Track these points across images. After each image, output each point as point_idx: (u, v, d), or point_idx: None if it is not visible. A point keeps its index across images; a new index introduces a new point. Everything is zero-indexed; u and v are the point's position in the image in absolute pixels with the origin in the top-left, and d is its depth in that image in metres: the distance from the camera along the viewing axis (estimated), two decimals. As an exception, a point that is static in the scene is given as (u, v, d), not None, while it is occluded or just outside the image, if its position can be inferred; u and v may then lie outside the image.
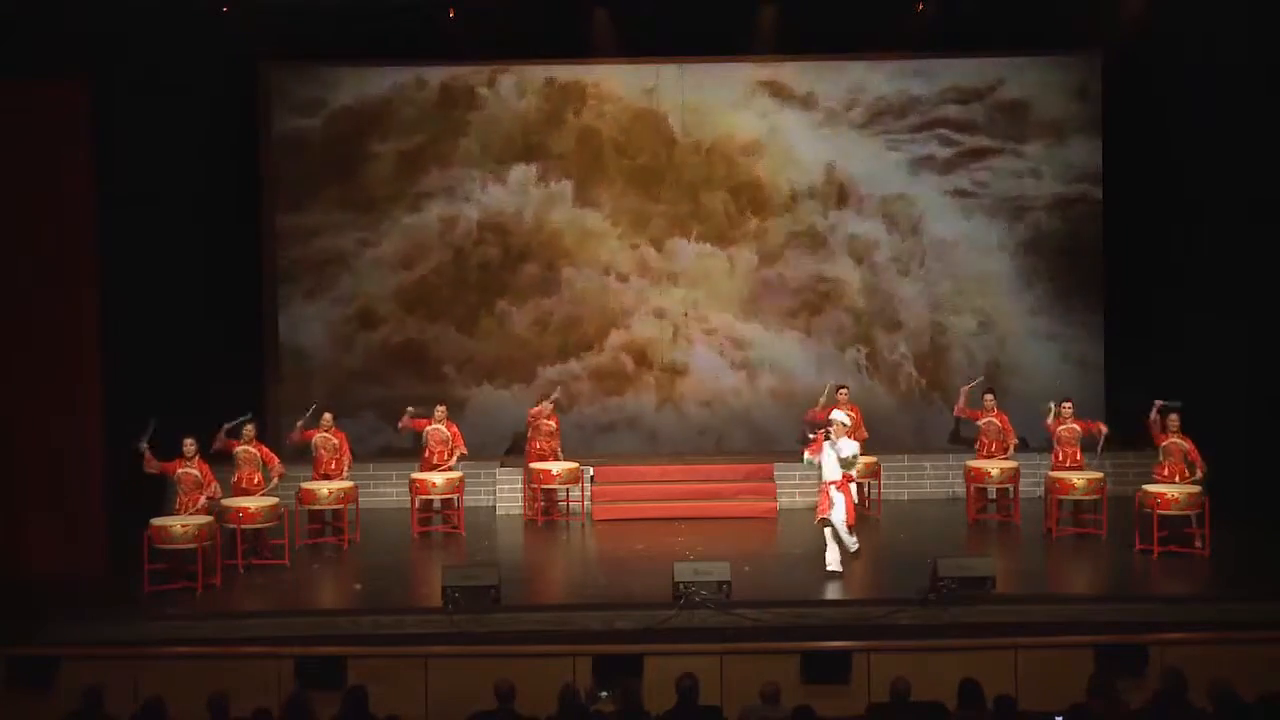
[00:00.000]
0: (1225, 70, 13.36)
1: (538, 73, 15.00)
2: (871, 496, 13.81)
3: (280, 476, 12.52)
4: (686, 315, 15.27)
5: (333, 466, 13.08)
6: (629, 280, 15.21)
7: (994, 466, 13.27)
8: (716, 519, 13.59)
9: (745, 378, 15.24)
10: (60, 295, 11.82)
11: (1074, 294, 15.11)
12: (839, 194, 15.15)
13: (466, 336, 15.20)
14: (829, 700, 8.52)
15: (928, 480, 14.70)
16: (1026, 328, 15.14)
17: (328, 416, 13.23)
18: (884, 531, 13.27)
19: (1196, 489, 11.91)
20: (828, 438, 11.40)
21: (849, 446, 11.42)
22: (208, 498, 11.66)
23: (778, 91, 15.12)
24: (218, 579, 11.38)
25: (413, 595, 11.23)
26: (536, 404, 14.04)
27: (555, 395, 14.13)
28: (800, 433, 14.00)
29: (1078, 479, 12.63)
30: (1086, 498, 12.70)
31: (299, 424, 13.19)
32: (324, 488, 12.81)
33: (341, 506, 12.91)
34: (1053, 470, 12.90)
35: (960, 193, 15.11)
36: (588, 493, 14.09)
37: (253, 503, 12.06)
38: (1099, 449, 13.00)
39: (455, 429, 13.50)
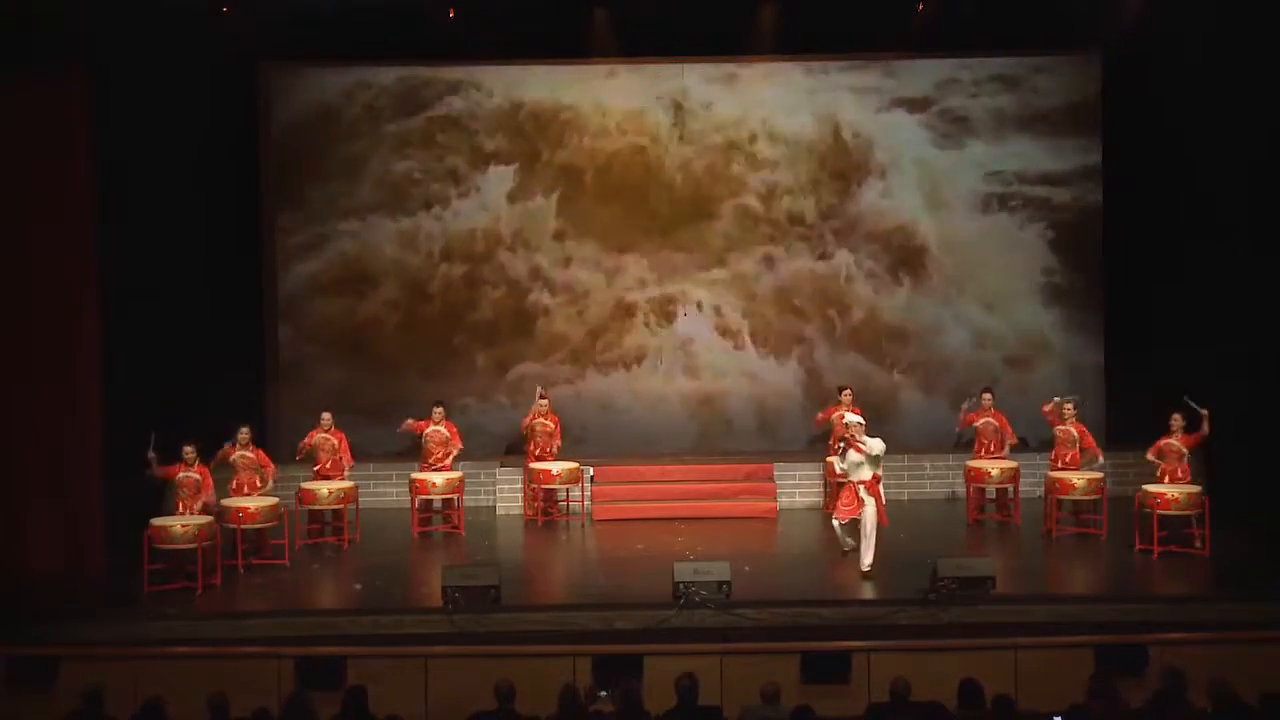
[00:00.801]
0: (1225, 70, 13.35)
1: (533, 86, 15.01)
2: (871, 496, 13.81)
3: (274, 480, 12.52)
4: (686, 315, 15.24)
5: (330, 467, 13.08)
6: (629, 284, 15.22)
7: (994, 466, 13.27)
8: (716, 519, 13.59)
9: (746, 377, 15.21)
10: (60, 295, 11.82)
11: (1074, 293, 15.10)
12: (839, 192, 15.12)
13: (468, 336, 15.18)
14: (829, 700, 8.52)
15: (928, 480, 14.70)
16: (1026, 327, 15.11)
17: (327, 416, 13.23)
18: (884, 531, 13.21)
19: (1196, 489, 11.92)
20: (844, 441, 11.48)
21: (876, 443, 11.45)
22: (204, 504, 11.65)
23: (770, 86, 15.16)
24: (218, 579, 11.38)
25: (413, 595, 11.23)
26: (527, 413, 14.00)
27: (541, 393, 14.07)
28: (811, 435, 14.09)
29: (1078, 479, 12.63)
30: (1086, 498, 12.70)
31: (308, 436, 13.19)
32: (324, 488, 12.81)
33: (341, 506, 12.91)
34: (1052, 470, 12.90)
35: (959, 192, 15.07)
36: (588, 493, 14.09)
37: (253, 503, 12.06)
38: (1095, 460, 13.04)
39: (453, 428, 13.50)
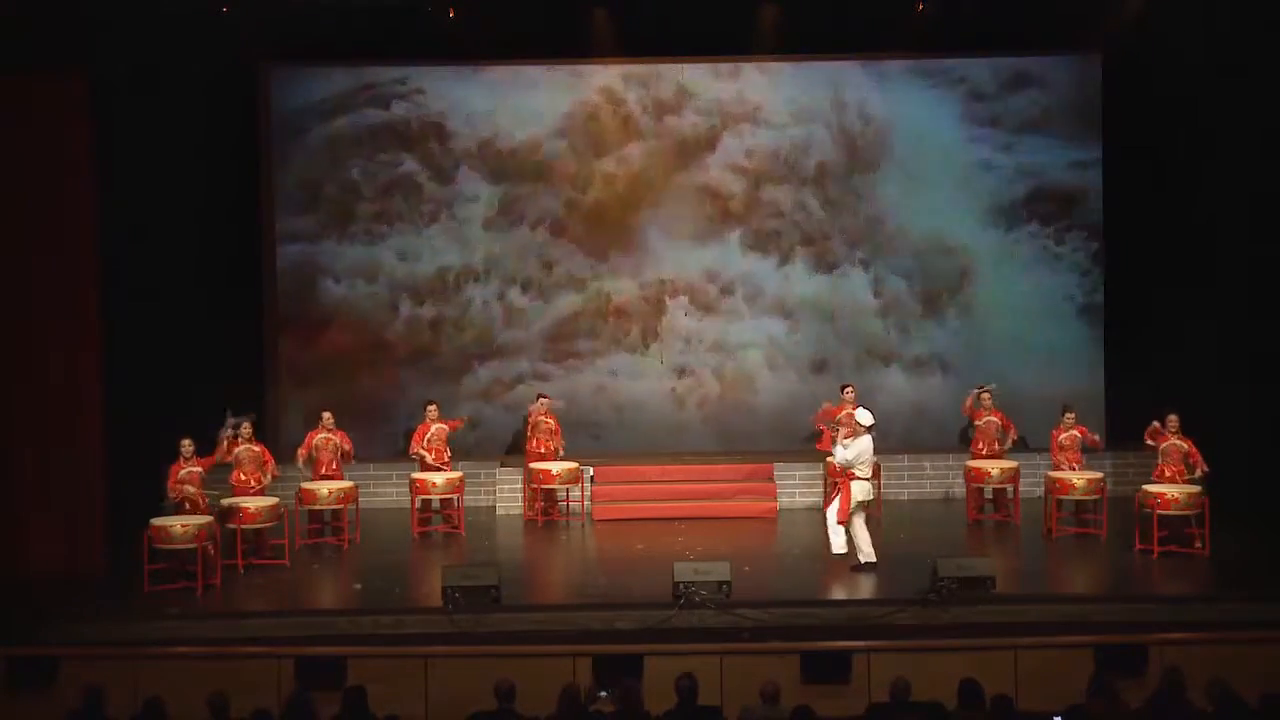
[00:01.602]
0: (1225, 70, 13.36)
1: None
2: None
3: (274, 478, 12.54)
4: (686, 315, 15.24)
5: (334, 468, 13.09)
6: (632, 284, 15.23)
7: (994, 466, 13.27)
8: (716, 519, 13.58)
9: (747, 378, 15.21)
10: (60, 295, 11.82)
11: (1074, 293, 15.09)
12: (839, 189, 15.12)
13: (469, 338, 15.18)
14: (829, 700, 8.51)
15: (928, 480, 14.70)
16: (1025, 327, 15.10)
17: (327, 416, 13.23)
18: (884, 531, 13.25)
19: (1196, 489, 11.92)
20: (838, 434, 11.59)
21: (846, 453, 11.49)
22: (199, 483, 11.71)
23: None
24: (218, 579, 11.38)
25: (413, 595, 11.23)
26: (535, 401, 14.02)
27: (540, 394, 14.06)
28: (812, 432, 14.05)
29: (1078, 479, 12.63)
30: (1086, 498, 12.71)
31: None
32: (324, 488, 12.81)
33: (341, 506, 12.92)
34: (1053, 470, 12.90)
35: (959, 191, 15.07)
36: (588, 493, 14.09)
37: (253, 503, 12.06)
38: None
39: (449, 423, 13.52)
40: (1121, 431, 14.13)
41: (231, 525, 11.83)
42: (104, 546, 11.80)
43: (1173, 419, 12.25)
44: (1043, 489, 12.97)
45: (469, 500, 13.69)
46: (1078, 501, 12.84)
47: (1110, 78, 14.84)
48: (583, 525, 13.81)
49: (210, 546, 11.32)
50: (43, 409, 11.77)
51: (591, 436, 14.89)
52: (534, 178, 15.10)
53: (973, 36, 14.41)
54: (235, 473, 12.41)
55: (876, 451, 13.70)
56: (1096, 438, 13.17)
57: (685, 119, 15.11)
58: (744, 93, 15.10)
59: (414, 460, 13.58)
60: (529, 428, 13.97)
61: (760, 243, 15.17)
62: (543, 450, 13.85)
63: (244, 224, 14.74)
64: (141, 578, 11.13)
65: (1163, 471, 12.22)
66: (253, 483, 12.40)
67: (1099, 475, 12.79)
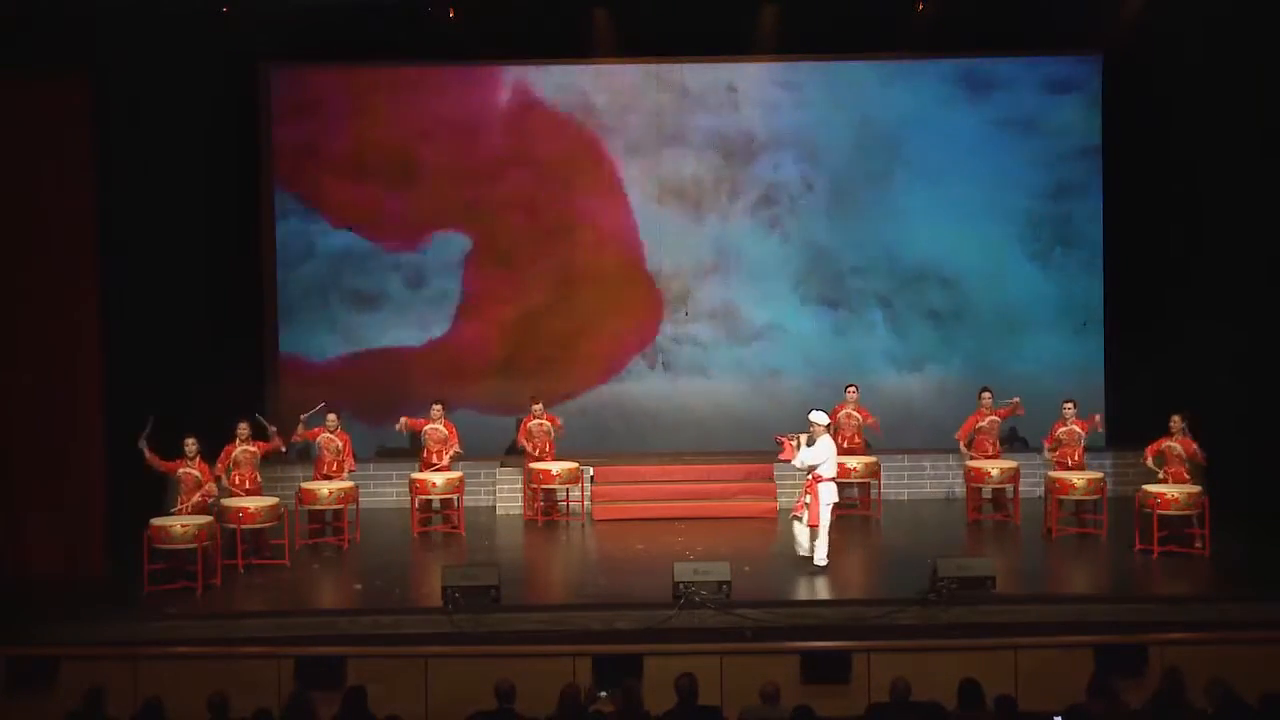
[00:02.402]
0: (1225, 70, 13.35)
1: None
2: (872, 496, 13.81)
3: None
4: (687, 314, 15.24)
5: (335, 468, 13.09)
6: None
7: (994, 466, 13.27)
8: (716, 519, 13.58)
9: (746, 377, 15.21)
10: (60, 295, 11.82)
11: (1074, 293, 15.09)
12: (838, 188, 15.12)
13: (471, 339, 15.18)
14: (829, 700, 8.52)
15: (928, 480, 14.71)
16: (1025, 327, 15.10)
17: (332, 418, 13.23)
18: (884, 531, 13.27)
19: (1197, 489, 11.92)
20: (799, 443, 11.49)
21: (813, 454, 11.46)
22: (201, 495, 11.67)
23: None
24: (218, 579, 11.38)
25: (413, 595, 11.23)
26: (527, 414, 14.00)
27: (533, 398, 14.07)
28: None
29: (1078, 479, 12.63)
30: (1086, 498, 12.71)
31: (302, 418, 13.16)
32: (324, 488, 12.81)
33: (341, 506, 12.92)
34: (1053, 470, 12.90)
35: (959, 192, 15.06)
36: (588, 493, 14.09)
37: (253, 503, 12.07)
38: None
39: (452, 428, 13.51)
40: (1122, 431, 14.14)
41: (231, 525, 11.83)
42: (104, 546, 11.80)
43: (1175, 420, 12.24)
44: (1043, 489, 12.98)
45: (469, 500, 13.70)
46: (1078, 501, 12.83)
47: (1110, 78, 14.84)
48: (583, 525, 13.81)
49: (210, 546, 11.32)
50: (43, 409, 11.76)
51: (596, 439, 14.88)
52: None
53: (973, 36, 14.41)
54: (233, 474, 12.40)
55: (876, 451, 13.84)
56: (1097, 417, 13.10)
57: (685, 119, 15.11)
58: (743, 93, 15.12)
59: (414, 460, 13.57)
60: (524, 432, 13.93)
61: (759, 244, 15.16)
62: (540, 451, 13.84)
63: (244, 223, 14.74)
64: (141, 578, 11.13)
65: (1165, 473, 12.18)
66: (249, 484, 12.39)
67: (1099, 475, 12.79)
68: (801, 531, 11.66)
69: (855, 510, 13.92)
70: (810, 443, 11.57)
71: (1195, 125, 13.83)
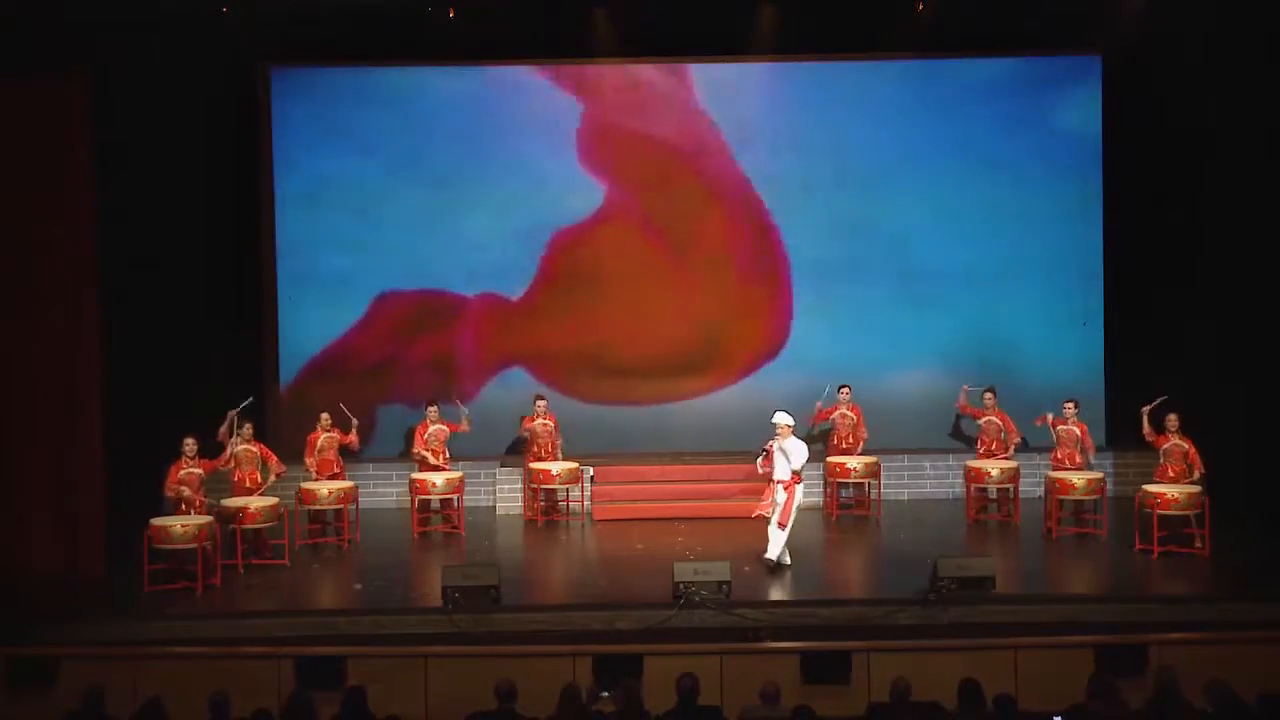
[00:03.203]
0: (1225, 70, 13.36)
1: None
2: (871, 496, 13.81)
3: (279, 475, 12.57)
4: (686, 315, 15.25)
5: (337, 469, 13.09)
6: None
7: (994, 466, 13.28)
8: (716, 519, 13.58)
9: (749, 377, 15.22)
10: (60, 295, 11.82)
11: (1074, 294, 15.09)
12: (837, 190, 15.11)
13: (473, 340, 15.17)
14: (829, 700, 8.52)
15: (928, 480, 14.71)
16: (1025, 327, 15.09)
17: (325, 417, 13.25)
18: (884, 531, 13.27)
19: (1196, 489, 11.92)
20: (777, 447, 11.45)
21: (799, 454, 11.41)
22: (200, 500, 11.68)
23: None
24: (218, 579, 11.38)
25: (413, 595, 11.22)
26: (531, 416, 14.00)
27: (538, 396, 14.07)
28: (810, 433, 14.11)
29: (1078, 479, 12.63)
30: (1086, 498, 12.71)
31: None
32: (324, 488, 12.81)
33: (341, 506, 12.92)
34: (1053, 470, 12.91)
35: (959, 191, 15.06)
36: (588, 493, 14.09)
37: (253, 503, 12.07)
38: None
39: (450, 424, 13.52)
40: (1122, 431, 14.13)
41: (231, 525, 11.83)
42: (104, 546, 11.80)
43: (1172, 418, 12.25)
44: (1043, 489, 12.98)
45: (469, 500, 13.70)
46: (1078, 501, 12.84)
47: (1110, 78, 14.84)
48: (583, 525, 13.81)
49: (210, 546, 11.33)
50: (43, 409, 11.77)
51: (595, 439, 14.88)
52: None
53: (973, 37, 14.41)
54: (235, 472, 12.42)
55: (876, 451, 13.85)
56: (1090, 446, 13.10)
57: (684, 119, 15.11)
58: (742, 92, 15.12)
59: (414, 460, 13.58)
60: (527, 432, 13.95)
61: (761, 241, 15.15)
62: (540, 451, 13.85)
63: (244, 223, 14.74)
64: (141, 578, 11.13)
65: (1165, 471, 12.21)
66: (248, 482, 12.40)
67: (1099, 475, 12.80)
68: (779, 536, 11.52)
69: (855, 510, 13.94)
70: (782, 449, 11.46)
71: (1195, 125, 13.84)
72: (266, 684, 9.01)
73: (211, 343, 13.80)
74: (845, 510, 13.94)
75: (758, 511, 11.62)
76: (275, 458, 12.67)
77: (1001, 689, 7.81)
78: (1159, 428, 12.33)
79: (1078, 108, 14.99)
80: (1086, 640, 9.43)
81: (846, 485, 13.94)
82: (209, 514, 11.61)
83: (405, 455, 14.29)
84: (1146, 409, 12.49)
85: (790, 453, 11.41)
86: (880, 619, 10.20)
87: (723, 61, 15.03)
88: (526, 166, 15.01)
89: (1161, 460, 12.29)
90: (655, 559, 11.77)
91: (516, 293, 15.16)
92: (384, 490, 14.51)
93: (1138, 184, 14.61)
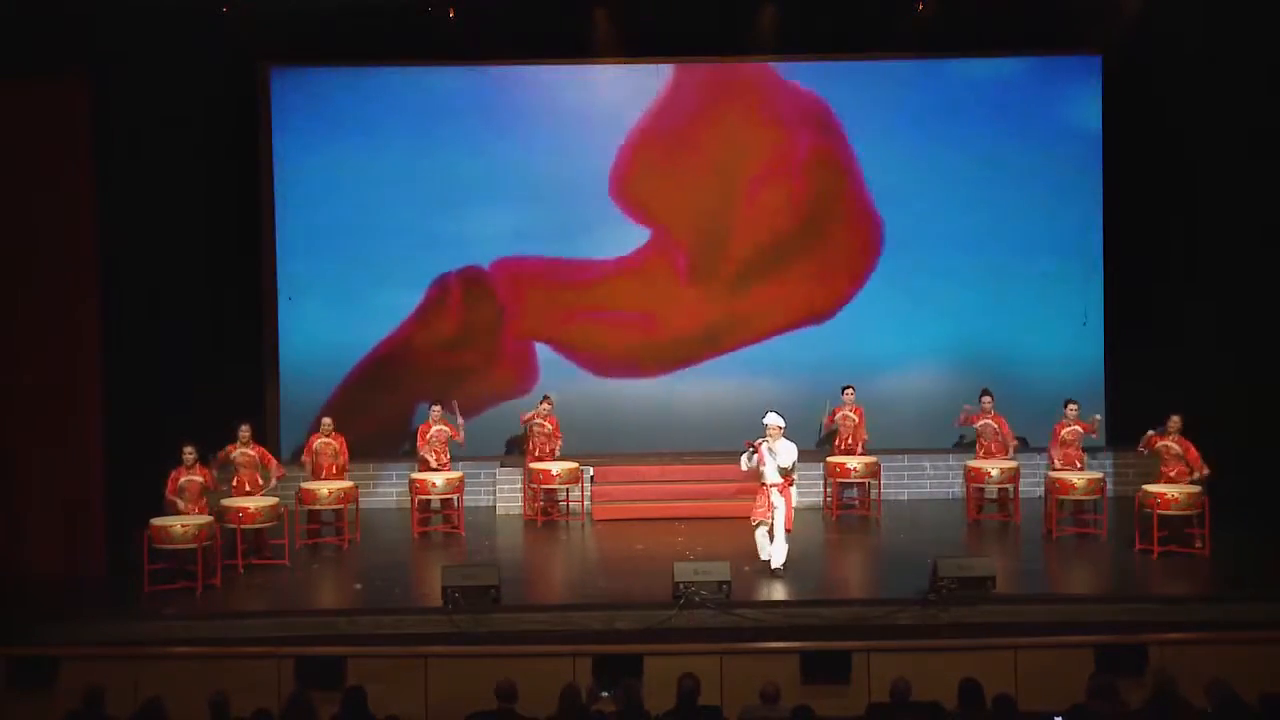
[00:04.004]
0: (1225, 70, 13.36)
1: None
2: (871, 496, 13.81)
3: (279, 478, 12.56)
4: (686, 315, 15.24)
5: (334, 471, 13.09)
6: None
7: (994, 466, 13.27)
8: (716, 519, 13.57)
9: (748, 377, 15.20)
10: (60, 295, 11.82)
11: (1073, 293, 15.08)
12: (837, 189, 15.11)
13: (474, 343, 15.18)
14: (829, 700, 8.52)
15: (928, 480, 14.71)
16: (1025, 326, 15.09)
17: (327, 421, 13.24)
18: (884, 531, 13.27)
19: (1196, 489, 11.92)
20: (767, 447, 11.37)
21: (787, 454, 11.38)
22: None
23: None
24: (218, 579, 11.38)
25: (413, 595, 11.23)
26: (533, 410, 14.01)
27: (546, 397, 14.08)
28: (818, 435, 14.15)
29: (1078, 479, 12.63)
30: (1086, 498, 12.71)
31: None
32: (324, 488, 12.81)
33: (341, 506, 12.92)
34: (1053, 470, 12.90)
35: (959, 191, 15.06)
36: (588, 493, 14.09)
37: (253, 503, 12.07)
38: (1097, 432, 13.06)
39: (451, 427, 13.52)
40: (1122, 431, 14.12)
41: (231, 525, 11.83)
42: (104, 546, 11.81)
43: (1174, 420, 12.24)
44: (1043, 489, 12.98)
45: (469, 500, 13.70)
46: (1078, 501, 12.83)
47: (1110, 78, 14.84)
48: (583, 525, 13.81)
49: (210, 546, 11.33)
50: (43, 409, 11.77)
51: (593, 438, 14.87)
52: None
53: (973, 36, 14.41)
54: (235, 477, 12.41)
55: (876, 451, 13.85)
56: (1097, 418, 13.07)
57: (683, 119, 15.11)
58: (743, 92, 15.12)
59: (414, 460, 13.58)
60: (528, 431, 13.95)
61: (760, 240, 15.15)
62: (540, 451, 13.85)
63: (244, 223, 14.73)
64: (141, 578, 11.13)
65: (1166, 473, 12.18)
66: (249, 486, 12.40)
67: (1099, 475, 12.80)
68: (765, 537, 11.47)
69: (855, 510, 13.94)
70: (771, 449, 11.39)
71: (1195, 125, 13.85)
72: (266, 684, 9.00)
73: (211, 343, 13.80)
74: (845, 510, 13.93)
75: (758, 519, 11.43)
76: (275, 461, 12.67)
77: (1001, 689, 7.80)
78: (1160, 429, 12.31)
79: (1078, 107, 14.98)
80: (1086, 640, 9.42)
81: (846, 485, 13.94)
82: (209, 514, 11.61)
83: (405, 455, 14.27)
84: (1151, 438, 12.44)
85: (780, 454, 11.39)
86: (880, 619, 10.19)
87: (723, 61, 15.02)
88: (527, 166, 14.99)
89: (1162, 463, 12.26)
90: (655, 559, 11.77)
91: (520, 291, 15.17)
92: (384, 490, 14.52)
93: (1137, 183, 14.60)
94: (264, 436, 13.47)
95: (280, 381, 14.95)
